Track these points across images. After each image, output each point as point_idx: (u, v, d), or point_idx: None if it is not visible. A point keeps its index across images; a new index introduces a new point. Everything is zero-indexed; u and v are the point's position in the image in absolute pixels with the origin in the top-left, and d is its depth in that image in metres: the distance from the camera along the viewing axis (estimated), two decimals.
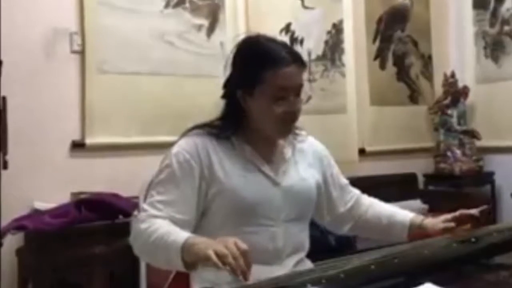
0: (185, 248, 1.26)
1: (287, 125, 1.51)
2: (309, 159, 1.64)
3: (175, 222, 1.39)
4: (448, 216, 1.57)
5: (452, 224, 1.54)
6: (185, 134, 1.54)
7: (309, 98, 3.72)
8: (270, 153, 1.56)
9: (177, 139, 1.53)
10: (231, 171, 1.48)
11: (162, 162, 1.49)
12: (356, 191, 1.75)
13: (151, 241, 1.34)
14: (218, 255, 1.16)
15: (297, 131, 1.62)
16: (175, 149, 1.49)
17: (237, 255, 1.16)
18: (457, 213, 1.57)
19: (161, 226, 1.35)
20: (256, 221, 1.48)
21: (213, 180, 1.46)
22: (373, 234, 1.73)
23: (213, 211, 1.48)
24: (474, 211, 1.55)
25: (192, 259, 1.26)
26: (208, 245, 1.21)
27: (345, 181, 1.74)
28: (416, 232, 1.61)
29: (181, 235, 1.31)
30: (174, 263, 1.30)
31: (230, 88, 1.53)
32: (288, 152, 1.59)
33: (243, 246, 1.19)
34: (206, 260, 1.19)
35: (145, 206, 1.43)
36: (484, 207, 1.57)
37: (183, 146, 1.49)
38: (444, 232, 1.53)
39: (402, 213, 1.68)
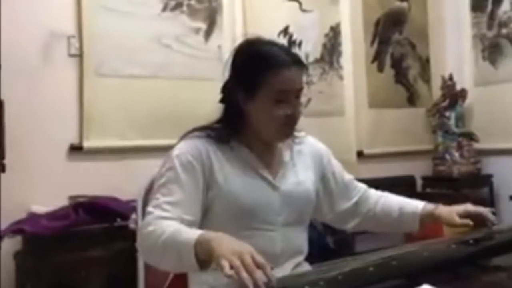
0: (199, 244, 1.19)
1: (287, 128, 1.49)
2: (307, 161, 1.63)
3: (183, 223, 1.34)
4: (461, 209, 1.56)
5: (470, 223, 1.52)
6: (184, 136, 1.52)
7: (309, 100, 3.73)
8: (268, 156, 1.55)
9: (177, 142, 1.51)
10: (230, 174, 1.47)
11: (163, 165, 1.46)
12: (362, 186, 1.73)
13: (161, 242, 1.27)
14: (232, 266, 1.07)
15: (295, 133, 1.60)
16: (176, 151, 1.47)
17: (253, 270, 1.07)
18: (472, 209, 1.57)
19: (170, 226, 1.30)
20: (254, 225, 1.46)
21: (212, 182, 1.45)
22: (384, 228, 1.73)
23: (211, 214, 1.46)
24: (486, 212, 1.57)
25: (206, 257, 1.18)
26: (222, 251, 1.12)
27: (349, 177, 1.72)
28: (428, 221, 1.61)
29: (194, 232, 1.25)
30: (186, 263, 1.22)
31: (229, 91, 1.52)
32: (286, 155, 1.58)
33: (260, 259, 1.10)
34: (218, 267, 1.10)
35: (150, 208, 1.38)
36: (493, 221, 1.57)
37: (185, 148, 1.47)
38: (460, 226, 1.52)
39: (413, 203, 1.68)
